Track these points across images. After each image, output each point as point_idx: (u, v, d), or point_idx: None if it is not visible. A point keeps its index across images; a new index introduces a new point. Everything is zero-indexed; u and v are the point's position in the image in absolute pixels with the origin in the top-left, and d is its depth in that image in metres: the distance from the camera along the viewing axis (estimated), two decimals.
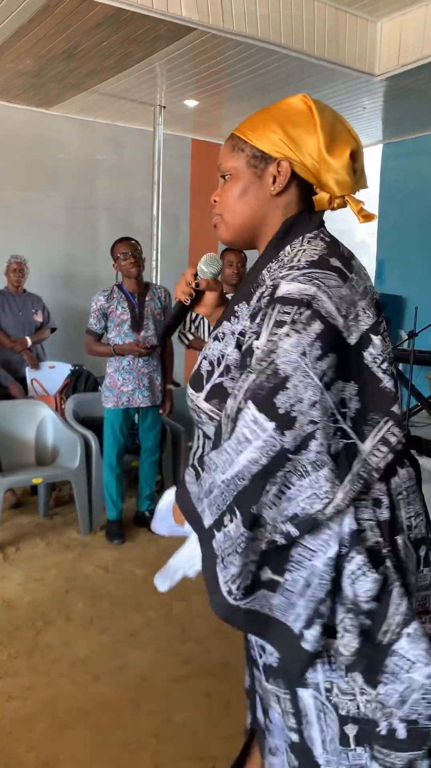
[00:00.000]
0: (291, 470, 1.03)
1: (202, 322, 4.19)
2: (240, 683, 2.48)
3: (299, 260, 1.16)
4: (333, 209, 1.28)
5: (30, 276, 5.32)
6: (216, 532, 1.06)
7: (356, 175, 1.28)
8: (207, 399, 1.27)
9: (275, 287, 1.12)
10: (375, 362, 1.15)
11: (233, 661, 2.69)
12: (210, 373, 1.27)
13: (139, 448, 4.14)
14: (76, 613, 3.05)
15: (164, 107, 6.00)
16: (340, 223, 7.87)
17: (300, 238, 1.21)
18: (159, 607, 3.14)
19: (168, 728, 2.28)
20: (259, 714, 1.34)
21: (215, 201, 1.30)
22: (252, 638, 1.27)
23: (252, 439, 1.02)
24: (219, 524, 1.05)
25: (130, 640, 2.83)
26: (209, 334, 4.15)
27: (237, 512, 1.03)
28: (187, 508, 1.13)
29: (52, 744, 2.19)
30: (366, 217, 1.29)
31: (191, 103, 5.92)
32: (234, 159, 1.25)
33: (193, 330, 4.21)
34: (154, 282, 5.74)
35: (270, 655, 1.22)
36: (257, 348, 1.11)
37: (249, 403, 1.03)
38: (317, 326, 1.05)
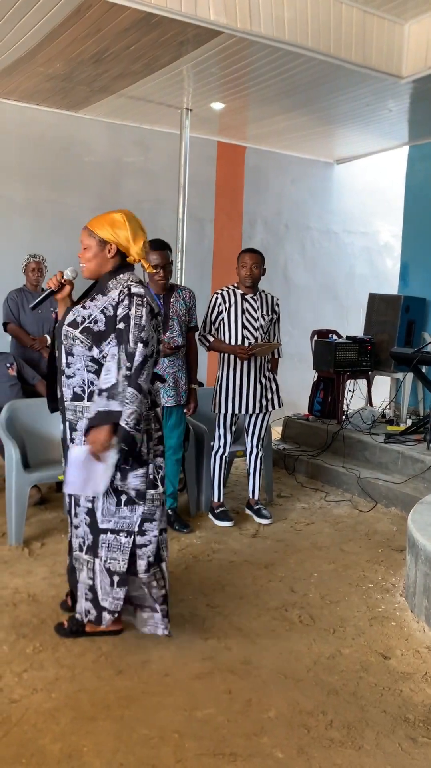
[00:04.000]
0: (150, 364, 2.58)
1: (221, 324, 4.22)
2: (263, 682, 2.50)
3: (130, 281, 2.66)
4: (134, 262, 2.73)
5: (48, 274, 5.38)
6: (124, 408, 2.48)
7: (143, 250, 2.71)
8: (81, 332, 2.61)
9: (129, 289, 2.60)
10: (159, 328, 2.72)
11: (254, 659, 2.72)
12: (83, 321, 2.63)
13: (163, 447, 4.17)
14: None
15: (191, 110, 6.05)
16: (362, 226, 7.86)
17: (127, 273, 2.69)
18: (180, 604, 3.17)
19: (190, 724, 2.31)
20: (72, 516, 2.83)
21: (81, 256, 2.72)
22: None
23: (138, 352, 2.52)
24: (123, 401, 2.49)
25: (153, 635, 2.86)
26: (229, 335, 4.16)
27: (139, 391, 2.51)
28: (103, 415, 2.49)
29: (76, 737, 2.22)
30: (149, 269, 2.84)
31: (217, 106, 5.96)
32: (90, 240, 2.69)
33: (213, 332, 4.24)
34: (178, 283, 5.78)
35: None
36: (127, 315, 2.56)
37: (138, 341, 2.54)
38: (146, 306, 2.59)
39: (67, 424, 2.70)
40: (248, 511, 4.47)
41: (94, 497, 2.64)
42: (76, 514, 2.75)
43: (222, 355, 4.27)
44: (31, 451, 4.12)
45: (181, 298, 4.03)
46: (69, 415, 2.69)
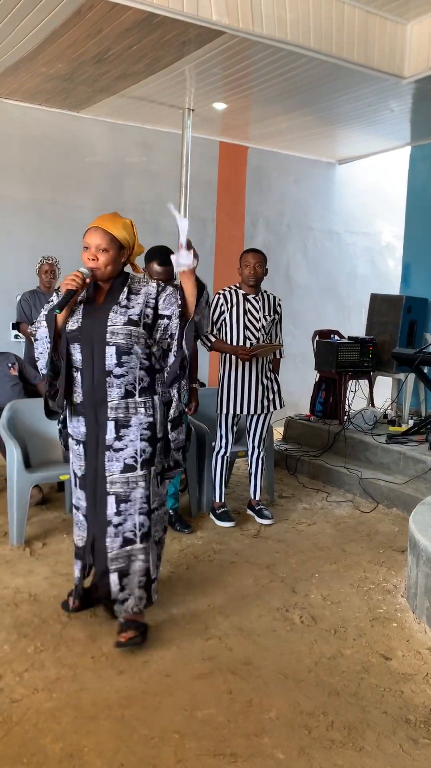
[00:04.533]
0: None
1: (223, 324, 4.22)
2: (263, 682, 2.50)
3: (147, 278, 2.91)
4: (130, 264, 2.88)
5: (61, 276, 5.41)
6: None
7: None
8: (144, 329, 2.74)
9: (164, 286, 2.80)
10: None
11: (255, 660, 2.72)
12: (139, 317, 2.73)
13: None
14: (100, 608, 3.09)
15: (193, 110, 6.05)
16: (364, 226, 7.86)
17: (134, 274, 2.88)
18: (182, 604, 3.17)
19: (190, 724, 2.31)
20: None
21: (93, 260, 2.72)
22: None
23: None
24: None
25: (154, 636, 2.86)
26: (231, 335, 4.17)
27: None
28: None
29: (77, 736, 2.22)
30: (135, 268, 2.95)
31: (219, 106, 5.96)
32: (111, 243, 2.72)
33: (214, 332, 4.24)
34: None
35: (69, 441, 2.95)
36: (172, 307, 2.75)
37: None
38: None
39: (112, 423, 2.73)
40: (249, 512, 4.47)
41: (140, 487, 2.79)
42: (119, 512, 2.77)
43: (223, 355, 4.26)
44: (32, 451, 4.13)
45: None
46: (118, 414, 2.73)
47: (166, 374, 2.81)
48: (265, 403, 4.28)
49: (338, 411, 5.88)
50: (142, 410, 2.75)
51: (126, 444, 2.74)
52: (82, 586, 3.03)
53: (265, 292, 4.32)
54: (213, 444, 4.40)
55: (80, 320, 2.73)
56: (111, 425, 2.73)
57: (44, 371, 2.80)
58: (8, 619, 2.97)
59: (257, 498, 4.45)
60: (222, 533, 4.15)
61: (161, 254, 3.84)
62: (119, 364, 2.69)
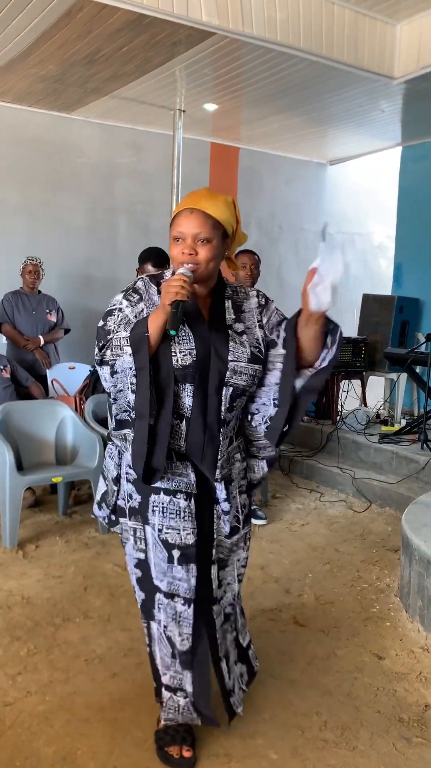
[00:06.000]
0: None
1: None
2: (257, 683, 2.49)
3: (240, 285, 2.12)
4: (226, 258, 2.05)
5: (51, 277, 5.40)
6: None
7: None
8: (257, 363, 1.99)
9: (261, 293, 2.10)
10: None
11: None
12: (258, 345, 2.01)
13: None
14: (94, 610, 3.08)
15: (183, 111, 6.05)
16: (356, 226, 7.88)
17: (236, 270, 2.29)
18: None
19: None
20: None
21: (191, 254, 1.87)
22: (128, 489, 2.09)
23: None
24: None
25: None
26: None
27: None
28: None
29: (71, 739, 2.22)
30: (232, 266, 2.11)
31: (210, 107, 5.96)
32: (214, 231, 1.89)
33: None
34: None
35: (134, 501, 2.05)
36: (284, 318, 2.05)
37: None
38: None
39: (222, 481, 2.04)
40: None
41: (241, 549, 2.19)
42: (221, 584, 2.14)
43: None
44: (24, 453, 4.12)
45: None
46: (223, 467, 2.03)
47: (260, 423, 2.11)
48: None
49: (331, 411, 5.89)
50: (238, 456, 2.13)
51: (230, 501, 2.09)
52: (203, 705, 2.14)
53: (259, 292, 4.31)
54: None
55: (193, 351, 1.90)
56: (220, 484, 2.06)
57: (119, 415, 2.00)
58: (1, 622, 2.96)
59: None
60: None
61: (156, 256, 3.84)
62: (230, 409, 2.00)
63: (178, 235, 1.90)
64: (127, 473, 2.08)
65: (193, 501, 2.02)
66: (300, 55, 4.54)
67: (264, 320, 2.04)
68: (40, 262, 5.30)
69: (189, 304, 1.83)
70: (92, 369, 5.21)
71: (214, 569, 2.10)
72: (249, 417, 2.12)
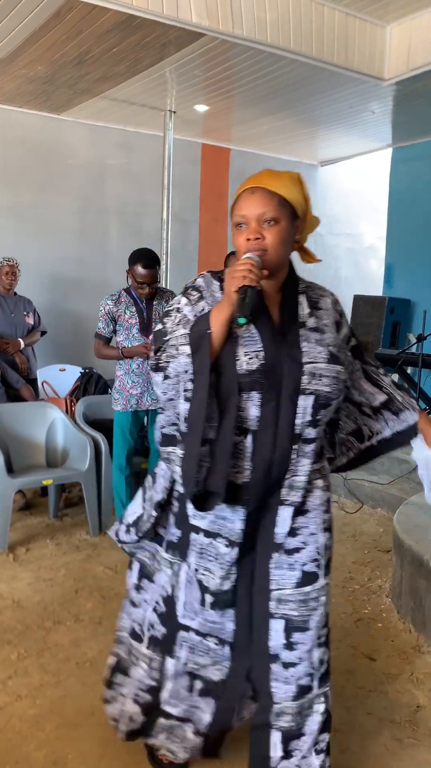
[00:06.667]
0: None
1: None
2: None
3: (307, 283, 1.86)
4: (298, 248, 1.86)
5: (41, 279, 5.36)
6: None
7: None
8: (338, 363, 1.71)
9: (332, 295, 1.86)
10: None
11: None
12: (337, 349, 1.74)
13: (149, 450, 4.16)
14: (85, 613, 3.07)
15: (174, 112, 6.04)
16: (347, 227, 7.87)
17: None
18: None
19: None
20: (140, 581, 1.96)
21: (258, 238, 1.60)
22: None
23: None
24: None
25: None
26: None
27: None
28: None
29: (61, 743, 2.20)
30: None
31: (201, 108, 5.96)
32: (281, 209, 1.63)
33: None
34: (163, 285, 5.77)
35: (173, 534, 1.83)
36: (352, 331, 1.92)
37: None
38: None
39: (288, 511, 1.70)
40: None
41: (321, 605, 1.77)
42: (291, 646, 1.74)
43: None
44: (15, 456, 4.10)
45: (164, 300, 4.01)
46: (295, 495, 1.70)
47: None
48: None
49: None
50: (320, 482, 1.76)
51: (304, 540, 1.72)
52: (215, 736, 1.94)
53: None
54: None
55: (260, 353, 1.62)
56: (285, 513, 1.70)
57: (165, 428, 1.72)
58: None
59: None
60: None
61: (146, 257, 3.81)
62: (313, 423, 1.67)
63: (239, 221, 1.63)
64: (171, 502, 1.84)
65: (236, 549, 1.70)
66: (291, 56, 4.55)
67: (343, 331, 1.82)
68: (16, 263, 5.24)
69: (258, 292, 1.55)
70: (83, 371, 5.19)
71: (276, 624, 1.73)
72: None
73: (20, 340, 5.05)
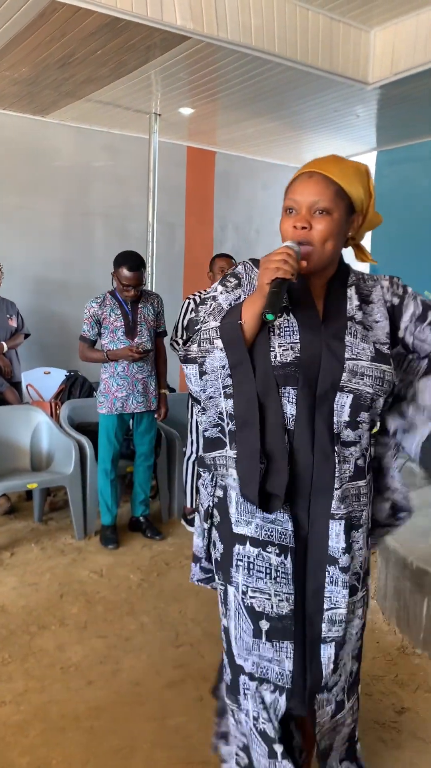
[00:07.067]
0: None
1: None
2: None
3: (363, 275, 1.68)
4: (354, 245, 1.70)
5: (26, 282, 5.32)
6: None
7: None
8: (385, 362, 1.55)
9: (397, 281, 1.66)
10: None
11: None
12: (382, 345, 1.57)
13: (134, 454, 4.15)
14: (70, 617, 3.05)
15: (159, 115, 6.04)
16: None
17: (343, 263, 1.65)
18: (153, 611, 3.15)
19: (161, 733, 2.28)
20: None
21: (305, 228, 1.49)
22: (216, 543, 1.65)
23: None
24: None
25: (124, 644, 2.83)
26: None
27: None
28: None
29: (45, 749, 2.19)
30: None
31: (186, 111, 5.96)
32: (337, 200, 1.51)
33: (185, 337, 4.22)
34: (148, 288, 5.76)
35: (217, 551, 1.63)
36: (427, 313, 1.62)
37: None
38: None
39: (341, 524, 1.53)
40: None
41: (358, 617, 1.65)
42: (336, 667, 1.60)
43: None
44: None
45: (149, 303, 4.01)
46: (348, 507, 1.54)
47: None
48: None
49: None
50: (365, 494, 1.61)
51: (354, 555, 1.58)
52: None
53: None
54: (183, 450, 4.38)
55: (296, 345, 1.51)
56: (338, 527, 1.54)
57: (208, 431, 1.60)
58: None
59: None
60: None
61: (131, 259, 3.81)
62: (353, 425, 1.53)
63: (290, 205, 1.51)
64: (213, 514, 1.65)
65: (289, 558, 1.52)
66: (275, 60, 4.56)
67: (404, 314, 1.60)
68: None
69: (294, 285, 1.46)
70: (68, 374, 5.16)
71: (326, 650, 1.56)
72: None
73: (3, 343, 5.01)
